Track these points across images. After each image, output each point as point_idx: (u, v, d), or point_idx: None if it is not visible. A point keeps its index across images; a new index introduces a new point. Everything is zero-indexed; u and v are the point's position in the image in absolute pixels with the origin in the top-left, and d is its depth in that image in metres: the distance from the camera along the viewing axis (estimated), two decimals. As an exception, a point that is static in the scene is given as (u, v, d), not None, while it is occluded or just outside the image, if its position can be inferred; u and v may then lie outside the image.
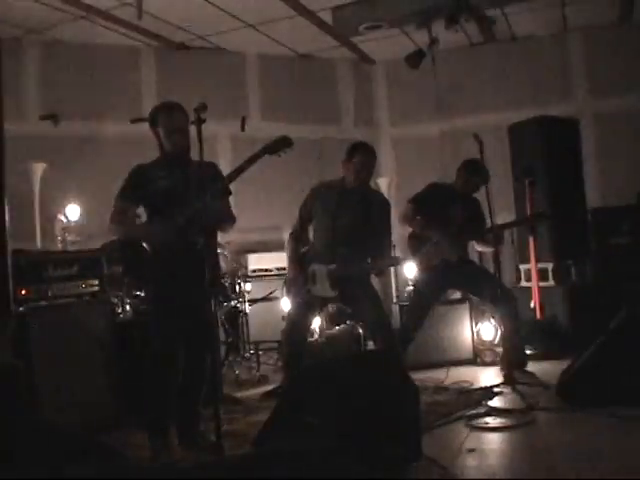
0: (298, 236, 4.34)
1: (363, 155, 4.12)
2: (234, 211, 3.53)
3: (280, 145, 3.16)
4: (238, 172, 3.13)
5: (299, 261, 4.24)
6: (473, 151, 4.63)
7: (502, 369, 4.66)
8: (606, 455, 2.93)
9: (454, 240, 4.68)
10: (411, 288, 5.51)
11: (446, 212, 4.80)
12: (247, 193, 6.85)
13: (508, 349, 4.70)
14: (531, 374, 4.62)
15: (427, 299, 4.93)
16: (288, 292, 4.42)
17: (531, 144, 6.08)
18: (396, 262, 4.63)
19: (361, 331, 5.24)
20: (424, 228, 4.77)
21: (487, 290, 4.68)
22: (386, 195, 6.99)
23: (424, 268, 4.81)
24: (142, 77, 6.78)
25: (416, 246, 4.82)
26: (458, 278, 4.85)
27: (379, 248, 4.14)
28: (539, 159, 6.00)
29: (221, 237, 3.79)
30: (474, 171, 4.77)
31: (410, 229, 4.95)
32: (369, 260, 4.11)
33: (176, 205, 3.21)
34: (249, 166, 3.11)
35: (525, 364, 4.76)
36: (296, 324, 4.21)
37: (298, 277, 4.18)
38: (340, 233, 4.09)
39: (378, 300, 4.16)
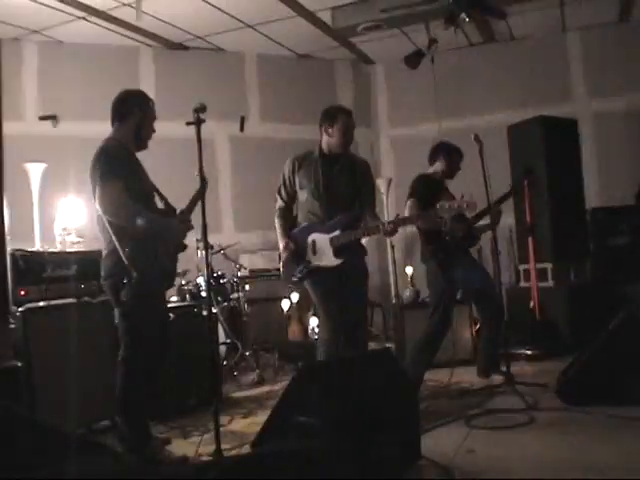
0: (285, 213, 4.06)
1: (347, 117, 4.03)
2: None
3: None
4: None
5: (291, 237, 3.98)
6: (472, 151, 4.63)
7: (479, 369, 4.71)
8: (605, 455, 2.93)
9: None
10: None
11: (439, 199, 4.41)
12: (246, 193, 6.86)
13: (482, 352, 4.75)
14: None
15: (450, 290, 4.57)
16: (287, 272, 3.97)
17: (530, 144, 6.09)
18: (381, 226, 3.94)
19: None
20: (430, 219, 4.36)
21: (479, 289, 4.63)
22: (385, 195, 7.03)
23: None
24: (141, 77, 6.78)
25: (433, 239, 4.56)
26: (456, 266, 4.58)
27: (370, 211, 3.93)
28: (538, 159, 6.00)
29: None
30: (453, 150, 4.75)
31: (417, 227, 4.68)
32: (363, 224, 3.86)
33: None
34: None
35: (488, 373, 4.64)
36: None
37: (294, 252, 3.89)
38: (333, 200, 3.87)
39: (365, 279, 3.98)
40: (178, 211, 3.41)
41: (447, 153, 4.77)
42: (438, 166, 4.78)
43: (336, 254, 3.77)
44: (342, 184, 3.88)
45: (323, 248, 3.81)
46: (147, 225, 3.15)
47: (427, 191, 4.52)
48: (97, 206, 3.21)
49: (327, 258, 3.79)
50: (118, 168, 3.18)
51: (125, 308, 3.21)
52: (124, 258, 3.10)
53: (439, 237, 4.51)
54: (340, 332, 3.76)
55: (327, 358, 3.74)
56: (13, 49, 6.11)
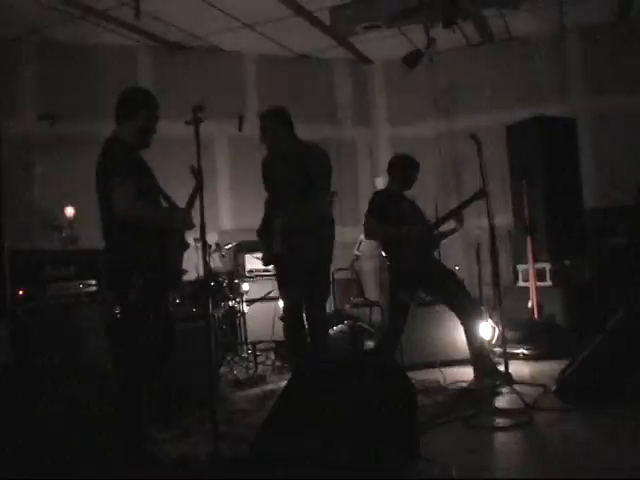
0: (268, 210, 4.39)
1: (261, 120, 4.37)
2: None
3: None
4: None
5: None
6: (470, 151, 4.63)
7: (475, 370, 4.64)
8: (605, 455, 2.94)
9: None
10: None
11: (399, 211, 4.75)
12: (245, 193, 6.86)
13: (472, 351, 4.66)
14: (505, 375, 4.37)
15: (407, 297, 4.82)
16: (263, 259, 4.46)
17: (528, 144, 6.09)
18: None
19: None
20: (389, 231, 4.68)
21: (446, 293, 4.68)
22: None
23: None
24: (139, 77, 6.77)
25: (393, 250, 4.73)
26: (424, 275, 4.74)
27: (315, 198, 4.07)
28: (536, 159, 6.01)
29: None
30: (411, 164, 4.83)
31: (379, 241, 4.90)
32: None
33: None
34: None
35: (482, 376, 4.56)
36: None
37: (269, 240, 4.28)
38: (279, 193, 4.24)
39: (307, 268, 4.10)
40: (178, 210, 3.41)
41: (405, 167, 4.84)
42: (395, 179, 4.86)
43: (281, 243, 4.14)
44: (286, 176, 4.15)
45: (276, 237, 4.20)
46: (162, 225, 3.17)
47: (384, 204, 4.76)
48: (113, 207, 3.13)
49: (276, 246, 4.19)
50: (128, 169, 3.17)
51: (131, 307, 3.21)
52: (139, 258, 3.10)
53: (398, 247, 4.63)
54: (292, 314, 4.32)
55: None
56: (12, 49, 6.10)
